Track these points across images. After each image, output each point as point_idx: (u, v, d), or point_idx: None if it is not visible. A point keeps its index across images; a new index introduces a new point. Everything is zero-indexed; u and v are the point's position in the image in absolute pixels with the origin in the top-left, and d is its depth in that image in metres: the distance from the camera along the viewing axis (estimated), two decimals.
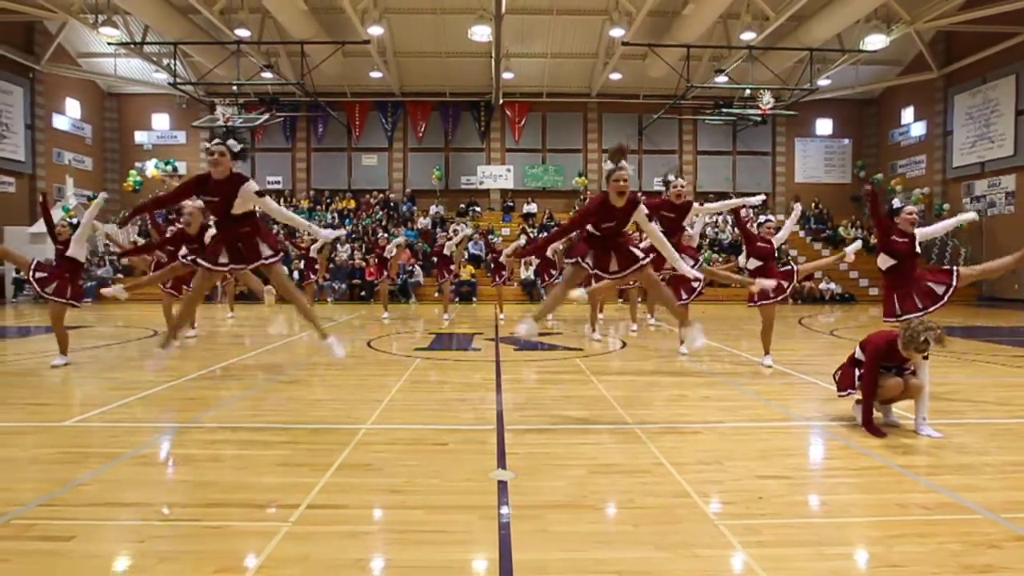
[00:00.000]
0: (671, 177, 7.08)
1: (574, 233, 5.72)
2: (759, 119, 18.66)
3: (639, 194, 4.67)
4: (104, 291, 6.80)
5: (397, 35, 20.50)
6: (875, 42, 17.56)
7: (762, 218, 7.66)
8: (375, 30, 18.42)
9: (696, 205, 6.98)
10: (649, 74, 21.84)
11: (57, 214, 19.85)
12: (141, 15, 16.98)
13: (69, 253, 6.94)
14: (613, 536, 2.77)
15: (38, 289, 6.90)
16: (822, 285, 19.32)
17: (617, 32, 18.32)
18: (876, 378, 4.29)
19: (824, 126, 25.14)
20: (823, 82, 20.70)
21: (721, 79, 18.99)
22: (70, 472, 3.66)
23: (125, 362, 7.64)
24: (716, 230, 22.32)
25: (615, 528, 2.86)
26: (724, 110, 19.03)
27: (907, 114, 23.26)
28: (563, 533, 2.79)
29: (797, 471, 3.72)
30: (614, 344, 9.32)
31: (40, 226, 19.22)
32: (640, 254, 4.89)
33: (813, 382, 6.24)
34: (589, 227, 4.91)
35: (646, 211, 4.49)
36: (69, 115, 22.93)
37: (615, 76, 22.15)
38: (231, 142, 4.35)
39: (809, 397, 5.69)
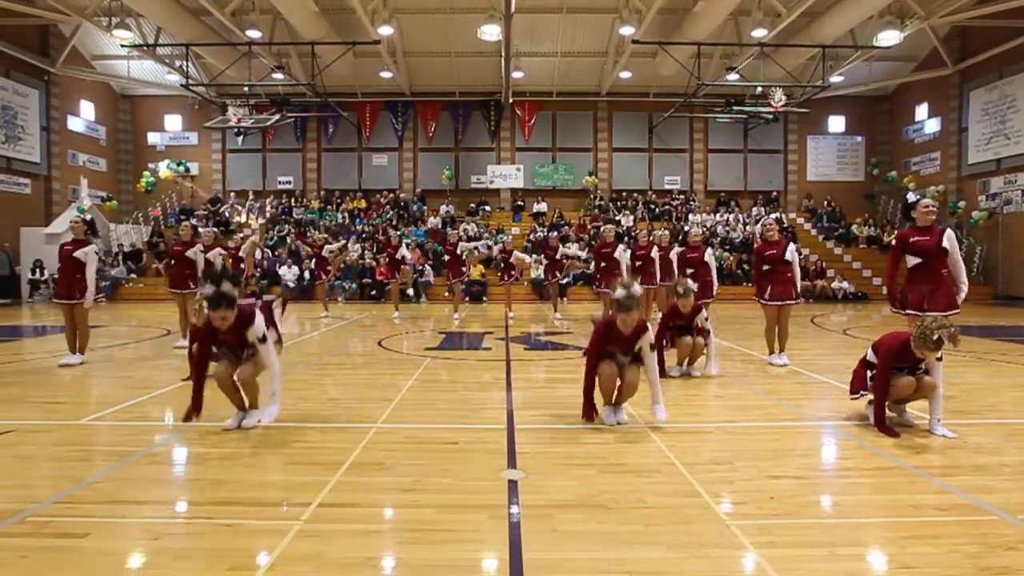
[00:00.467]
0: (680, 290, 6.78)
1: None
2: (771, 117, 18.50)
3: (646, 322, 4.58)
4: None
5: (407, 35, 20.54)
6: (889, 38, 17.38)
7: (762, 218, 7.69)
8: (385, 30, 18.47)
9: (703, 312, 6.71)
10: (659, 72, 21.75)
11: (71, 214, 20.09)
12: (154, 17, 17.12)
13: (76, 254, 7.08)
14: (623, 536, 2.76)
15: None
16: (835, 284, 19.16)
17: (627, 30, 18.24)
18: (888, 379, 4.25)
19: (837, 123, 24.91)
20: (836, 79, 20.52)
21: (732, 77, 18.88)
22: (85, 470, 3.70)
23: (138, 361, 7.71)
24: (727, 228, 22.20)
25: (625, 528, 2.85)
26: (735, 108, 18.89)
27: (921, 111, 23.00)
28: (573, 532, 2.79)
29: (809, 471, 3.69)
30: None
31: (55, 227, 19.49)
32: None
33: (825, 381, 6.19)
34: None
35: (651, 340, 4.46)
36: (83, 117, 23.16)
37: (625, 74, 22.08)
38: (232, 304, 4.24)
39: (821, 397, 5.65)
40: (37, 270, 18.93)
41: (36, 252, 18.99)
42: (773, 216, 7.71)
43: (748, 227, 22.14)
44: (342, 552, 2.59)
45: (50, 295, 18.06)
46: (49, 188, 21.47)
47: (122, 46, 18.86)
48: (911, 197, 5.42)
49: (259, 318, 4.26)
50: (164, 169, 23.10)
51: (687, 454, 3.86)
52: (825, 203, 23.79)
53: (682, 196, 24.18)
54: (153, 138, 25.23)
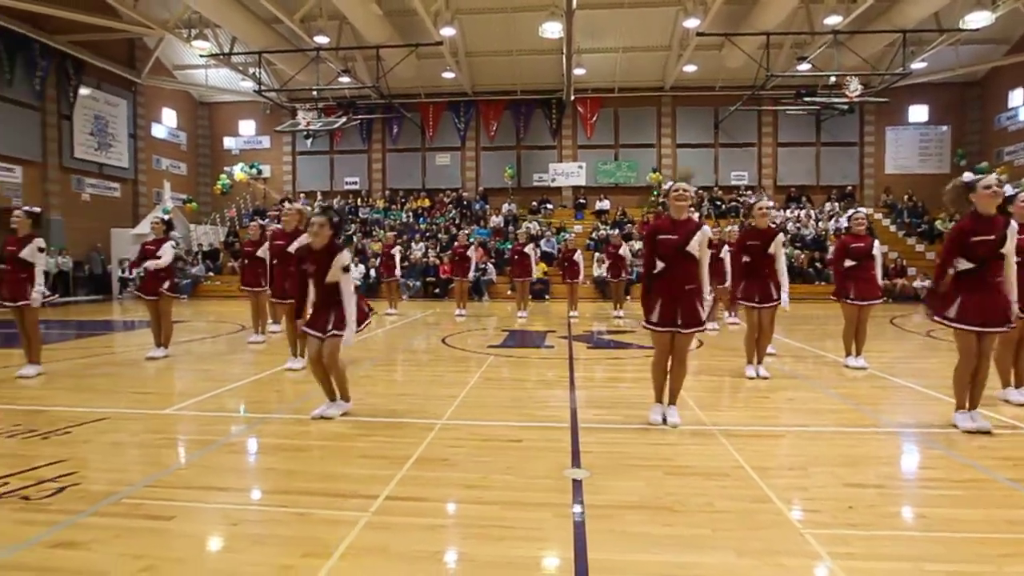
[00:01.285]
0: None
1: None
2: (845, 107, 17.64)
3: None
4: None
5: (468, 35, 20.74)
6: (978, 20, 16.23)
7: (850, 211, 7.20)
8: (447, 31, 18.71)
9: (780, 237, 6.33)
10: (726, 64, 21.14)
11: (156, 215, 21.29)
12: (229, 27, 17.93)
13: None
14: (691, 540, 2.70)
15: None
16: (916, 283, 18.14)
17: (691, 23, 17.81)
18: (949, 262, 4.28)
19: (919, 112, 23.52)
20: (917, 65, 19.36)
21: (804, 67, 18.11)
22: (170, 457, 3.93)
23: (216, 355, 8.11)
24: (798, 225, 21.36)
25: (693, 532, 2.78)
26: (807, 99, 18.11)
27: (1015, 96, 21.40)
28: (639, 534, 2.75)
29: (890, 480, 3.51)
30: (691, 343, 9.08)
31: (141, 228, 20.77)
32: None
33: (907, 386, 5.87)
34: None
35: (709, 234, 4.40)
36: (166, 124, 24.57)
37: (689, 68, 21.57)
38: (331, 213, 4.59)
39: (903, 402, 5.37)
40: (126, 268, 20.21)
41: (125, 251, 20.26)
42: (864, 210, 7.14)
43: (821, 223, 21.25)
44: (409, 545, 2.63)
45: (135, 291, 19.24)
46: (136, 191, 22.89)
47: (200, 56, 19.87)
48: (1010, 189, 4.58)
49: (348, 253, 4.56)
50: (239, 172, 24.18)
51: (757, 458, 3.74)
52: (905, 197, 22.52)
53: (749, 192, 23.43)
54: (229, 142, 26.48)
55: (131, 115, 22.50)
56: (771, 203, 6.64)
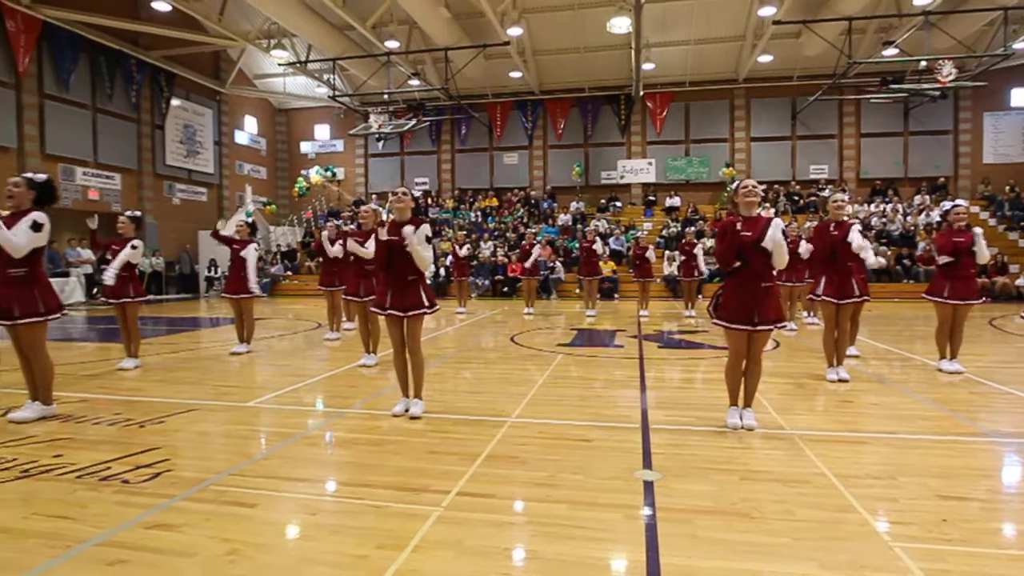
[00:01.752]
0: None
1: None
2: (938, 94, 16.53)
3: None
4: None
5: (536, 34, 20.74)
6: None
7: (947, 203, 6.69)
8: (514, 31, 18.77)
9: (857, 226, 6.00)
10: (804, 53, 20.24)
11: (239, 218, 22.37)
12: (305, 36, 18.65)
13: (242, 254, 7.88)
14: (769, 548, 2.60)
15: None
16: (1019, 281, 16.80)
17: (767, 11, 17.15)
18: None
19: (1022, 96, 21.75)
20: (1020, 45, 17.91)
21: (890, 52, 17.09)
22: (253, 447, 4.12)
23: (294, 351, 8.44)
24: (884, 220, 20.21)
25: (772, 540, 2.68)
26: (894, 86, 17.06)
27: None
28: (714, 540, 2.67)
29: (992, 494, 3.25)
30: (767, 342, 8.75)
31: (225, 230, 21.92)
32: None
33: (1009, 392, 5.45)
34: None
35: (783, 227, 4.25)
36: (247, 130, 25.87)
37: (765, 58, 20.78)
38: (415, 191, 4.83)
39: (1004, 410, 4.98)
40: (212, 268, 21.43)
41: (211, 252, 21.50)
42: (963, 202, 6.64)
43: (909, 218, 20.02)
44: (480, 541, 2.66)
45: (221, 291, 20.34)
46: (220, 195, 24.21)
47: (279, 64, 20.79)
48: None
49: (428, 226, 4.66)
50: (314, 175, 25.13)
51: (841, 465, 3.56)
52: (1007, 188, 20.87)
53: (830, 186, 22.33)
54: (305, 147, 27.59)
55: (216, 123, 23.82)
56: (845, 196, 6.32)
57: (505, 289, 18.97)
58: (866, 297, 6.26)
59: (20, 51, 16.09)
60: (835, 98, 20.86)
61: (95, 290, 17.39)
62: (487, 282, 19.45)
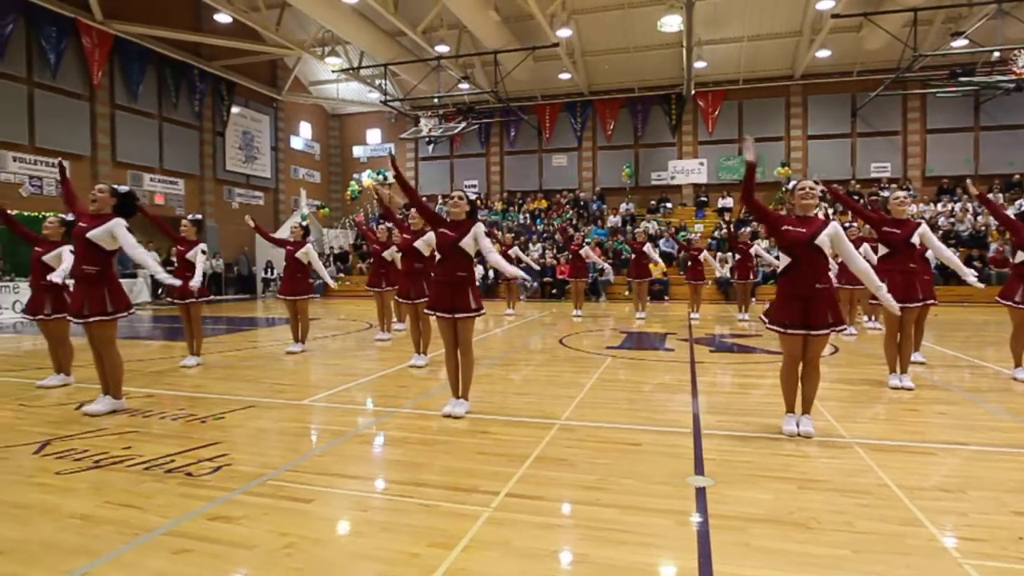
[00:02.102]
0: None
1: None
2: (1012, 86, 15.64)
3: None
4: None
5: (585, 35, 20.65)
6: None
7: (1022, 202, 6.32)
8: (564, 32, 18.75)
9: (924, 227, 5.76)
10: (865, 47, 19.51)
11: (295, 221, 23.12)
12: (358, 43, 19.10)
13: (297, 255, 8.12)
14: (828, 560, 2.51)
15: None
16: None
17: (825, 4, 16.62)
18: None
19: None
20: None
21: (959, 43, 16.29)
22: (308, 444, 4.23)
23: (346, 351, 8.64)
24: (952, 220, 19.26)
25: (831, 552, 2.58)
26: (963, 79, 16.26)
27: None
28: (769, 549, 2.59)
29: None
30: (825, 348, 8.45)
31: (281, 232, 22.64)
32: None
33: None
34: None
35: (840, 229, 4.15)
36: (302, 136, 26.66)
37: (822, 53, 20.13)
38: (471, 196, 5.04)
39: None
40: (269, 270, 22.14)
41: (267, 255, 22.24)
42: None
43: (980, 218, 19.03)
44: (528, 543, 2.66)
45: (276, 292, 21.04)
46: (276, 199, 25.01)
47: (332, 71, 21.34)
48: None
49: (482, 225, 4.84)
50: (366, 178, 25.66)
51: (905, 476, 3.40)
52: None
53: (893, 185, 21.43)
54: (357, 151, 28.24)
55: (273, 129, 24.63)
56: (906, 193, 6.02)
57: (554, 291, 18.93)
58: (932, 301, 5.96)
59: (94, 65, 17.01)
60: (898, 93, 19.99)
61: (160, 290, 18.20)
62: (535, 284, 19.45)
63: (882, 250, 5.85)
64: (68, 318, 5.25)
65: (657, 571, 2.49)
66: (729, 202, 22.26)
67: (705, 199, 23.01)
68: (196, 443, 4.08)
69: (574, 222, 22.59)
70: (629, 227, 21.38)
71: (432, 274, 5.09)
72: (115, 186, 5.17)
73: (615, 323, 12.07)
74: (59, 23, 16.06)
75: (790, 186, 4.43)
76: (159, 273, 5.31)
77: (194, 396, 5.58)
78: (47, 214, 15.91)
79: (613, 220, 22.31)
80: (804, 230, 4.13)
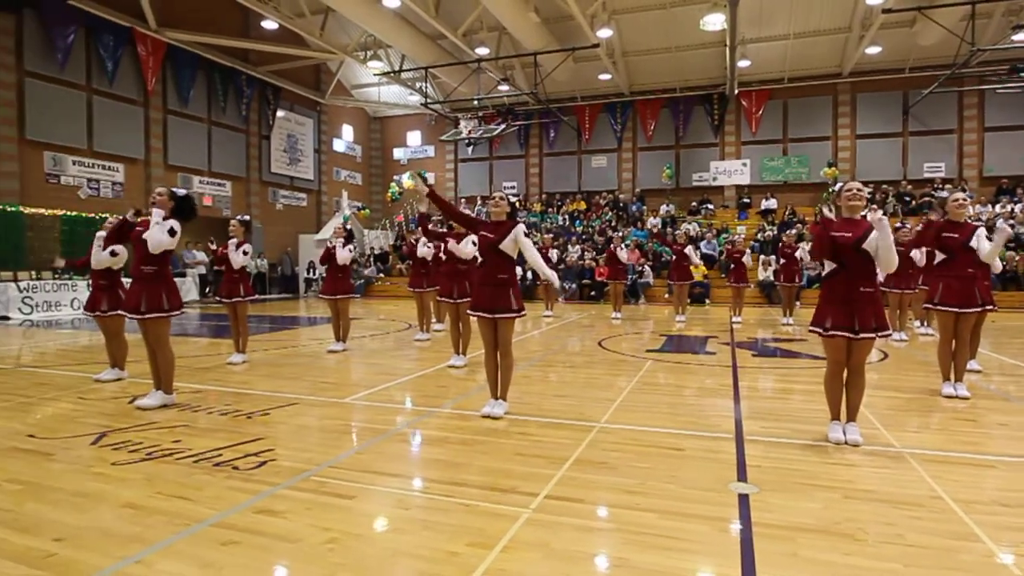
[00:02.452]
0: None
1: None
2: None
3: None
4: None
5: (626, 35, 20.49)
6: None
7: None
8: (604, 33, 18.64)
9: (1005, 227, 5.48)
10: (918, 42, 18.83)
11: (337, 222, 23.56)
12: (399, 46, 19.35)
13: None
14: (877, 573, 2.43)
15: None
16: None
17: None
18: None
19: None
20: None
21: (1021, 36, 15.60)
22: (349, 441, 4.30)
23: (385, 351, 8.75)
24: (1012, 222, 18.40)
25: (879, 565, 2.50)
26: None
27: None
28: (816, 560, 2.53)
29: None
30: (873, 354, 8.19)
31: (324, 233, 23.12)
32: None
33: None
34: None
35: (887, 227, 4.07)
36: (344, 139, 27.16)
37: (872, 50, 19.51)
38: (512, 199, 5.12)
39: None
40: (311, 270, 22.60)
41: (310, 255, 22.73)
42: None
43: None
44: (568, 545, 2.65)
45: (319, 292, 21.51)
46: (319, 201, 25.53)
47: (374, 75, 21.68)
48: None
49: (523, 226, 4.90)
50: (407, 180, 25.99)
51: (960, 489, 3.27)
52: None
53: (948, 185, 20.62)
54: (398, 153, 28.61)
55: (316, 132, 25.16)
56: (965, 195, 5.78)
57: (592, 293, 18.82)
58: (990, 307, 5.70)
59: (148, 72, 17.66)
60: (954, 90, 19.25)
61: (208, 289, 18.78)
62: (574, 286, 19.37)
63: (938, 256, 5.64)
64: (122, 313, 5.47)
65: None
66: (773, 203, 21.77)
67: (748, 200, 22.55)
68: (242, 438, 4.20)
69: (613, 224, 22.42)
70: (669, 229, 21.12)
71: (475, 276, 5.14)
72: (174, 189, 5.37)
73: (654, 326, 11.93)
74: (116, 32, 16.73)
75: (836, 188, 4.34)
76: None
77: (240, 392, 5.73)
78: (104, 215, 16.60)
79: (653, 222, 22.06)
80: (850, 234, 4.04)
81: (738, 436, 4.27)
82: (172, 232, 5.10)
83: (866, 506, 3.07)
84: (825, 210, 4.36)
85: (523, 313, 4.83)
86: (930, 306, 5.66)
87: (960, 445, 4.11)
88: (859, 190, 4.16)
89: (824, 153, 22.15)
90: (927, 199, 19.99)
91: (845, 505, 3.09)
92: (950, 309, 5.45)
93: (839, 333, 4.02)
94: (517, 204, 5.15)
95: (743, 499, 3.14)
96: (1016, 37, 15.67)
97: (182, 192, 5.34)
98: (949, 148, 21.17)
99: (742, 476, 3.48)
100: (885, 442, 4.13)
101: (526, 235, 4.87)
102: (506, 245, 4.80)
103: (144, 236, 5.08)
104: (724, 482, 3.38)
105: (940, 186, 20.59)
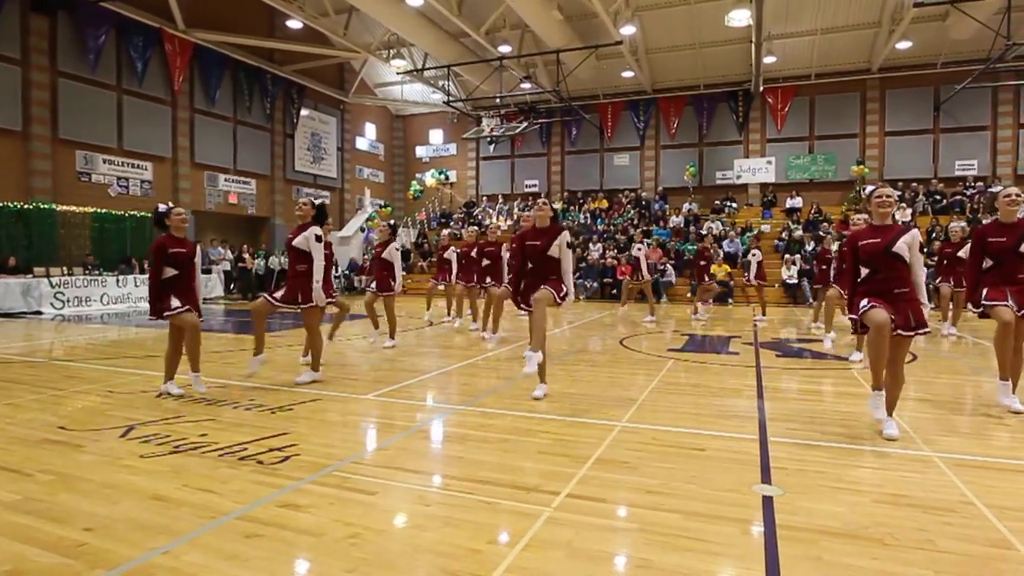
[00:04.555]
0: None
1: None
2: None
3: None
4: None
5: (649, 32, 20.34)
6: None
7: None
8: (627, 30, 18.51)
9: None
10: (950, 37, 18.42)
11: (360, 220, 23.78)
12: (422, 45, 19.44)
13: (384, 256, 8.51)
14: None
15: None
16: None
17: None
18: None
19: None
20: None
21: None
22: (371, 438, 4.33)
23: (408, 348, 8.79)
24: None
25: (909, 570, 2.44)
26: None
27: None
28: (842, 565, 2.48)
29: None
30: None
31: (347, 231, 23.32)
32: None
33: None
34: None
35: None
36: (367, 137, 27.35)
37: (903, 45, 19.13)
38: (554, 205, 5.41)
39: None
40: (334, 268, 22.83)
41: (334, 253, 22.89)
42: None
43: None
44: (590, 544, 2.63)
45: (342, 288, 21.74)
46: (342, 198, 25.74)
47: (397, 73, 21.80)
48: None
49: (568, 233, 5.42)
50: (429, 178, 26.10)
51: (993, 495, 3.19)
52: None
53: (980, 184, 20.13)
54: (420, 151, 28.74)
55: (339, 131, 25.38)
56: (1018, 190, 5.13)
57: (614, 291, 18.74)
58: None
59: (176, 71, 17.97)
60: (988, 85, 18.79)
61: (232, 285, 19.06)
62: (595, 284, 19.30)
63: (986, 262, 5.01)
64: (273, 302, 5.84)
65: None
66: (798, 202, 21.46)
67: (772, 199, 22.27)
68: (266, 432, 4.25)
69: (635, 222, 22.29)
70: (692, 227, 20.93)
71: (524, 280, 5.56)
72: (313, 200, 6.09)
73: (676, 325, 11.83)
74: (146, 33, 17.06)
75: (867, 191, 4.31)
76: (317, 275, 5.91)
77: (264, 388, 5.80)
78: (132, 213, 16.93)
79: (675, 220, 21.88)
80: (879, 240, 4.07)
81: (762, 437, 4.21)
82: (318, 239, 5.84)
83: (895, 511, 3.01)
84: (851, 220, 4.45)
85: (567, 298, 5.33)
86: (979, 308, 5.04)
87: (991, 449, 4.01)
88: (889, 196, 4.16)
89: (852, 151, 21.78)
90: (957, 197, 19.53)
91: (873, 509, 3.03)
92: (1006, 305, 4.76)
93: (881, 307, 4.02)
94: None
95: (767, 501, 3.10)
96: None
97: (319, 201, 6.11)
98: (982, 145, 20.68)
99: (766, 478, 3.43)
100: (914, 445, 4.04)
101: (568, 245, 5.32)
102: (553, 251, 5.28)
103: (294, 244, 5.90)
104: (748, 484, 3.34)
105: (974, 184, 20.13)
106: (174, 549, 2.58)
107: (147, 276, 6.78)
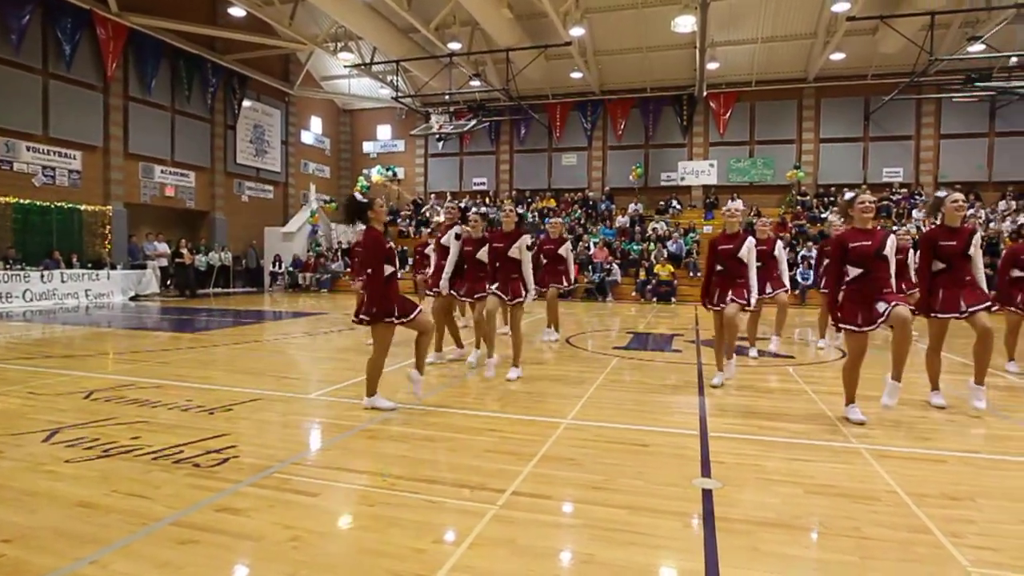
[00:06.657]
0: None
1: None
2: None
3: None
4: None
5: (598, 34, 20.60)
6: None
7: None
8: (576, 31, 18.69)
9: None
10: (880, 50, 19.35)
11: (304, 216, 23.18)
12: (371, 39, 19.11)
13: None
14: (835, 566, 2.49)
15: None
16: None
17: (841, 7, 16.48)
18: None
19: None
20: None
21: (976, 48, 16.13)
22: (314, 438, 4.24)
23: (355, 346, 8.64)
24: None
25: (838, 557, 2.56)
26: (979, 84, 16.10)
27: None
28: (776, 554, 2.58)
29: None
30: (831, 353, 8.40)
31: (291, 226, 22.76)
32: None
33: None
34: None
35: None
36: (313, 131, 26.70)
37: (836, 56, 19.99)
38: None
39: None
40: (277, 263, 22.21)
41: (276, 248, 22.37)
42: None
43: (993, 224, 18.87)
44: (535, 541, 2.65)
45: (285, 284, 21.23)
46: (286, 193, 25.06)
47: (344, 67, 21.35)
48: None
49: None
50: (375, 174, 25.69)
51: (914, 483, 3.38)
52: None
53: (905, 190, 21.29)
54: (367, 147, 28.27)
55: (284, 124, 24.68)
56: (963, 196, 5.19)
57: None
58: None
59: (109, 57, 17.09)
60: (913, 97, 19.84)
61: (168, 282, 18.30)
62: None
63: (937, 265, 5.09)
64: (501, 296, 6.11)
65: (663, 573, 2.48)
66: (739, 204, 22.13)
67: (714, 201, 22.92)
68: (204, 434, 4.10)
69: (582, 221, 22.55)
70: (637, 227, 21.33)
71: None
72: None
73: (621, 323, 12.03)
74: (75, 15, 16.15)
75: (847, 197, 4.56)
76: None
77: (201, 388, 5.60)
78: (59, 204, 16.03)
79: (622, 220, 22.26)
80: (870, 242, 4.53)
81: (702, 432, 4.33)
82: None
83: (825, 501, 3.15)
84: (832, 218, 4.82)
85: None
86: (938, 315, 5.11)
87: (913, 441, 4.24)
88: (871, 202, 4.68)
89: (789, 156, 22.64)
90: (885, 202, 20.55)
91: (805, 500, 3.16)
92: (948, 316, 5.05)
93: (870, 328, 4.47)
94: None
95: (707, 494, 3.19)
96: (972, 48, 16.21)
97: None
98: (907, 153, 21.84)
99: (706, 472, 3.54)
100: (843, 438, 4.23)
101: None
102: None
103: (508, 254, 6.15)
104: (688, 477, 3.43)
105: (898, 190, 21.24)
106: (101, 558, 2.46)
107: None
